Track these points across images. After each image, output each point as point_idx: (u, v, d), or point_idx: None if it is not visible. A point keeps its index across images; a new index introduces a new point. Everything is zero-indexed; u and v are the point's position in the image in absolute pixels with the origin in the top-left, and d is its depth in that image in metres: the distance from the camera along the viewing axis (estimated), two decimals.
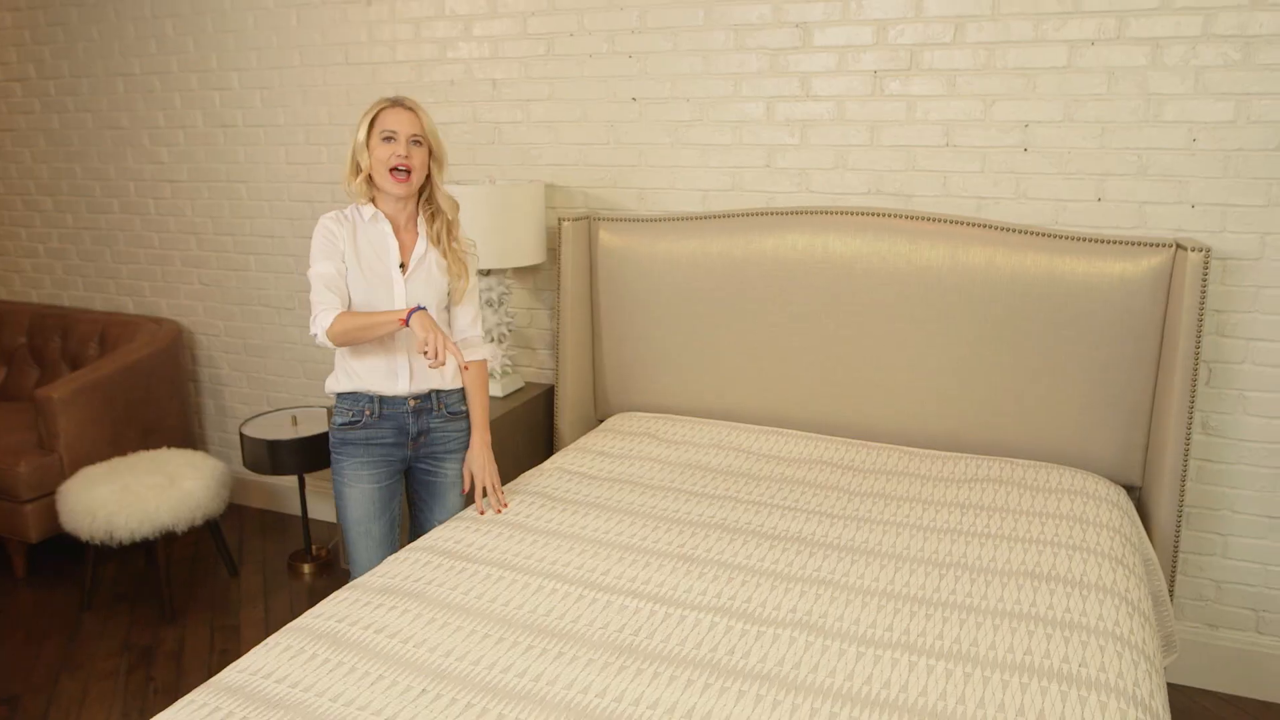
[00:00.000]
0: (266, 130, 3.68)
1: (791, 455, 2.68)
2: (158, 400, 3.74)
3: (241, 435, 3.33)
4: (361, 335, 2.14)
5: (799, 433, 2.83)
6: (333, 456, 2.32)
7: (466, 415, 2.41)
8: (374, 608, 1.84)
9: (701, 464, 2.62)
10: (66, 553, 3.68)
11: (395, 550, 2.30)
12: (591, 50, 3.07)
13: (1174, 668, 2.77)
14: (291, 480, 3.93)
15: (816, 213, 2.78)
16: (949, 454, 2.68)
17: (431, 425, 2.33)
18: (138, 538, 3.03)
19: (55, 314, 4.09)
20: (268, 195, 3.75)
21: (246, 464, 3.35)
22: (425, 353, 2.00)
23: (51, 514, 3.33)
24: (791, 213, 2.82)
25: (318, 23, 3.47)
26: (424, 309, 2.12)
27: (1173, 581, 2.54)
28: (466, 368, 2.17)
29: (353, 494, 2.29)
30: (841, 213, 2.76)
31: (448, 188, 2.94)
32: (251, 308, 3.89)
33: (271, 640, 1.76)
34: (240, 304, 3.92)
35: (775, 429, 2.86)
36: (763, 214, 2.85)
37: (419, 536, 2.40)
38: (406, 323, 2.11)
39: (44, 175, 4.18)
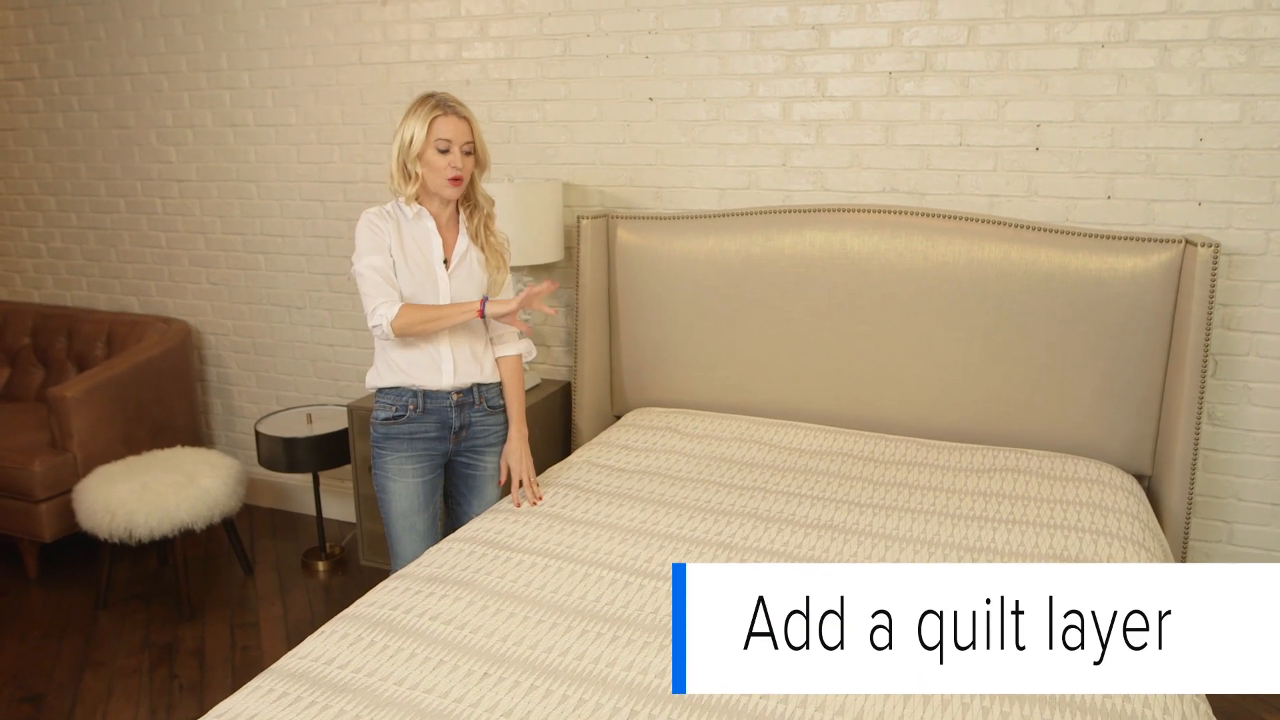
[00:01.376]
0: (278, 130, 3.69)
1: (812, 447, 2.73)
2: (168, 399, 3.75)
3: (257, 433, 3.35)
4: (428, 327, 2.20)
5: (817, 426, 2.89)
6: (375, 451, 2.35)
7: (505, 409, 2.45)
8: (425, 596, 1.88)
9: (726, 456, 2.67)
10: (77, 552, 3.67)
11: (436, 543, 2.34)
12: (608, 51, 3.11)
13: None
14: (301, 479, 3.94)
15: (833, 210, 2.84)
16: (964, 445, 2.75)
17: (473, 419, 2.37)
18: (157, 536, 3.04)
19: (60, 314, 4.09)
20: (279, 194, 3.76)
21: (262, 462, 3.37)
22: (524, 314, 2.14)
23: (66, 513, 3.33)
24: (808, 210, 2.87)
25: (331, 22, 3.50)
26: (490, 300, 2.22)
27: None
28: (527, 330, 2.29)
29: (397, 488, 2.33)
30: (858, 210, 2.82)
31: None
32: (261, 307, 3.91)
33: (327, 628, 1.80)
34: (250, 303, 3.93)
35: (793, 422, 2.91)
36: (780, 212, 2.91)
37: (455, 529, 2.44)
38: (482, 314, 2.16)
39: (47, 175, 4.17)
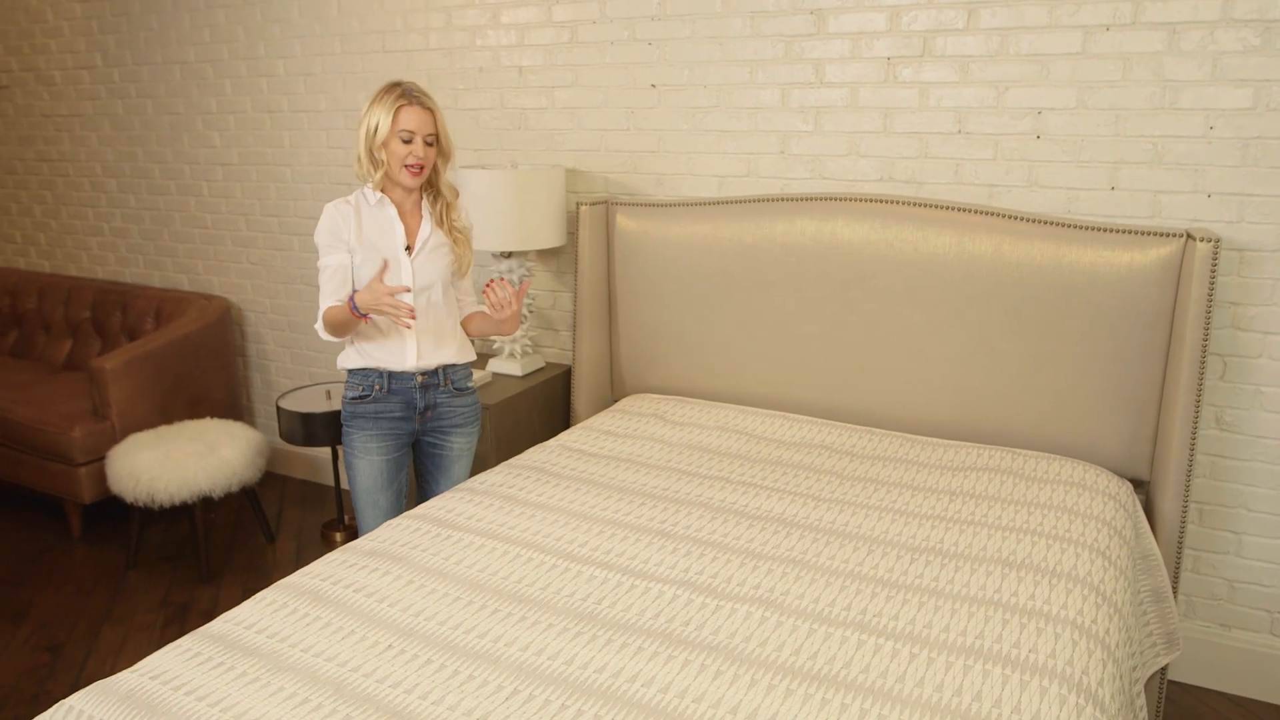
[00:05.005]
0: (309, 116, 3.83)
1: (793, 439, 2.71)
2: (205, 373, 3.94)
3: (278, 408, 3.49)
4: (342, 330, 2.28)
5: (805, 417, 2.86)
6: (344, 429, 2.44)
7: (472, 391, 2.51)
8: (358, 569, 1.95)
9: (702, 445, 2.67)
10: (119, 514, 3.91)
11: None
12: (613, 37, 3.12)
13: (1182, 667, 2.73)
14: (325, 452, 4.09)
15: (825, 199, 2.80)
16: (952, 442, 2.68)
17: (438, 400, 2.43)
18: (176, 501, 3.21)
19: (117, 290, 4.33)
20: (310, 178, 3.90)
21: (283, 435, 3.50)
22: (405, 318, 2.16)
23: (102, 477, 3.54)
24: (801, 199, 2.83)
25: (356, 10, 3.60)
26: (355, 292, 2.23)
27: (1176, 578, 2.50)
28: (413, 317, 2.23)
29: (362, 465, 2.40)
30: (850, 199, 2.77)
31: (471, 172, 3.05)
32: (295, 286, 4.06)
33: (261, 594, 1.88)
34: (285, 283, 4.09)
35: (782, 413, 2.89)
36: (773, 200, 2.88)
37: None
38: (354, 312, 2.21)
39: (109, 158, 4.42)
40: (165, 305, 4.15)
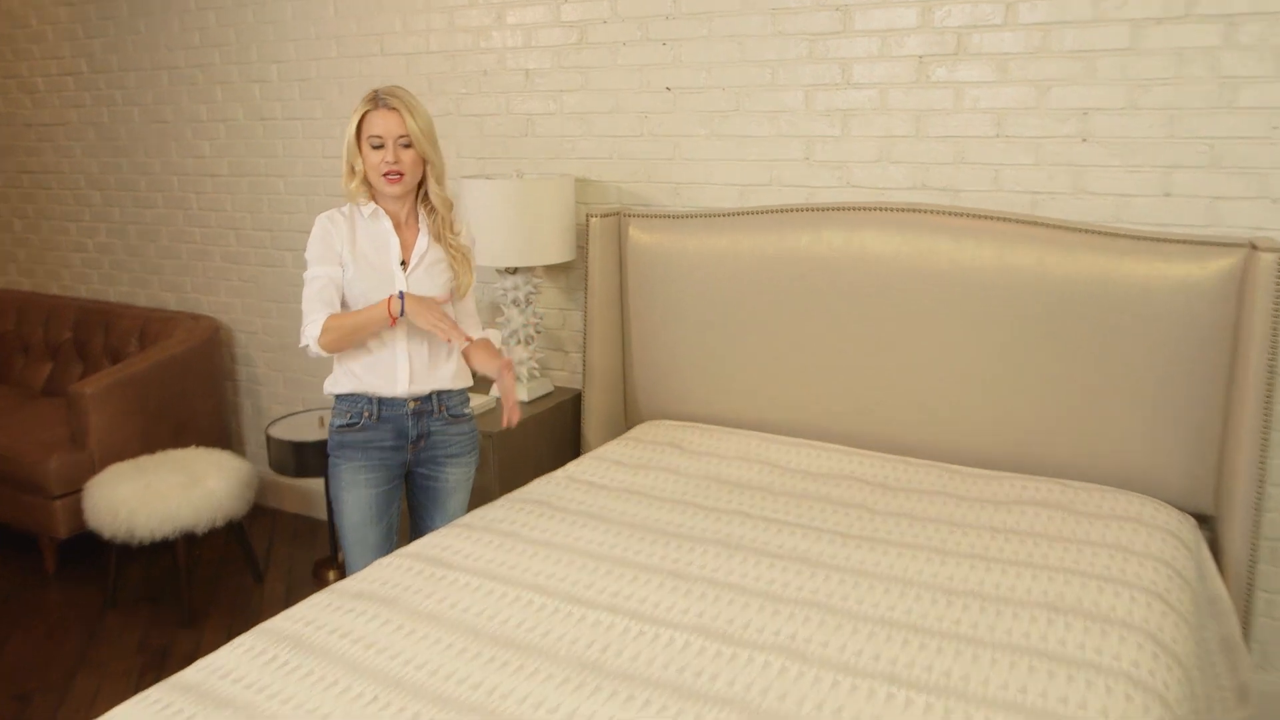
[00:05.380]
0: (304, 123, 3.85)
1: (820, 470, 2.67)
2: (192, 398, 3.95)
3: (268, 436, 3.48)
4: (352, 338, 2.25)
5: (833, 446, 2.82)
6: (330, 459, 2.42)
7: (469, 418, 2.48)
8: (344, 612, 1.92)
9: (721, 477, 2.63)
10: (97, 550, 3.90)
11: None
12: (624, 38, 3.12)
13: None
14: (318, 483, 4.08)
15: (854, 209, 2.78)
16: (994, 473, 2.63)
17: (432, 428, 2.41)
18: (158, 537, 3.20)
19: (100, 309, 4.36)
20: (304, 190, 3.91)
21: (273, 465, 3.50)
22: (446, 339, 2.21)
23: (79, 510, 3.53)
24: (828, 209, 2.81)
25: (353, 12, 3.62)
26: (405, 293, 2.23)
27: (1247, 624, 2.43)
28: (469, 339, 2.29)
29: (349, 498, 2.39)
30: (880, 209, 2.74)
31: (473, 182, 3.04)
32: (288, 305, 4.07)
33: (238, 640, 1.85)
34: (277, 301, 4.10)
35: (808, 442, 2.85)
36: (797, 210, 2.86)
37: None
38: (395, 319, 2.20)
39: (94, 169, 4.46)
40: (150, 325, 4.17)
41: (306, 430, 3.53)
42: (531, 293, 3.21)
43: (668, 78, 3.09)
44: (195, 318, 4.16)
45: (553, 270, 3.39)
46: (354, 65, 3.67)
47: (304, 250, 3.89)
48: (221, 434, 4.10)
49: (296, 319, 4.06)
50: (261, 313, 4.15)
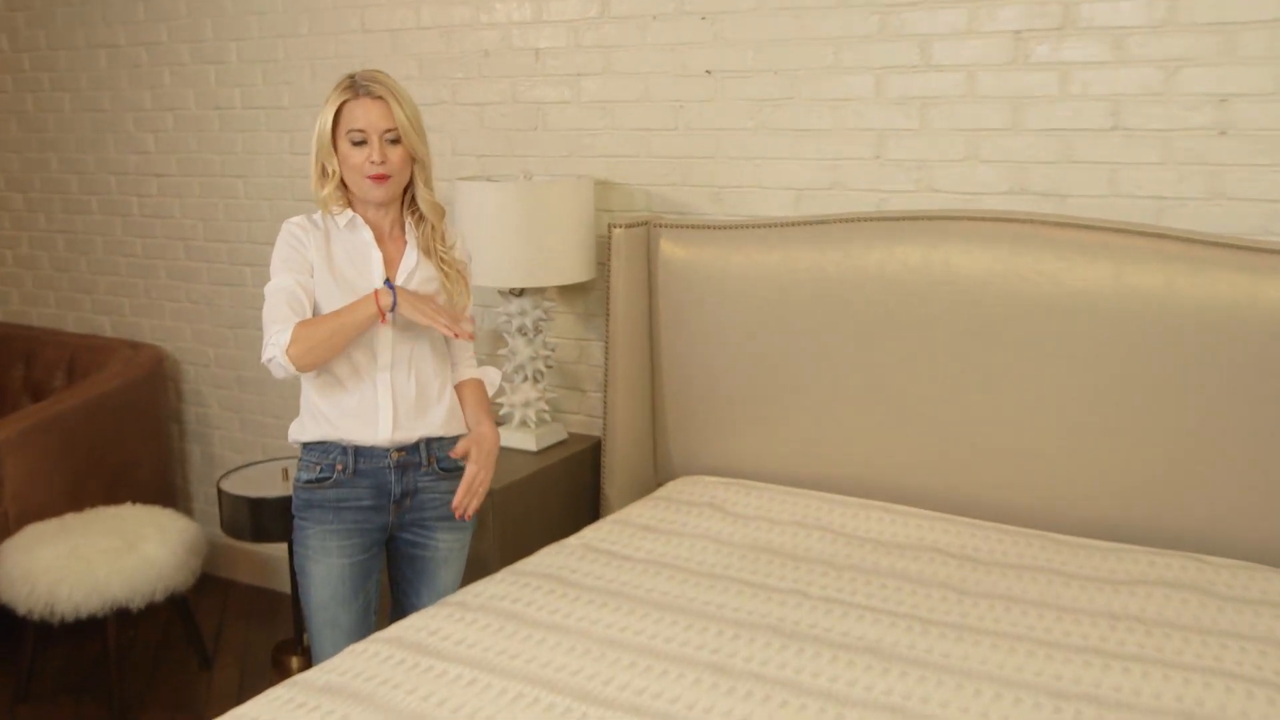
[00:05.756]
0: (268, 113, 3.90)
1: (894, 540, 2.66)
2: (129, 443, 3.98)
3: (220, 491, 3.50)
4: (331, 343, 2.23)
5: (910, 510, 2.81)
6: (296, 522, 2.42)
7: (462, 471, 2.48)
8: (309, 711, 1.91)
9: (772, 546, 2.63)
10: (9, 630, 3.90)
11: None
12: (655, 11, 3.15)
13: None
14: (280, 549, 4.08)
15: (936, 218, 2.78)
16: (1114, 546, 2.60)
17: (419, 484, 2.41)
18: (83, 614, 3.21)
19: (20, 336, 4.42)
20: (269, 193, 3.96)
21: (225, 527, 3.52)
22: (452, 333, 2.23)
23: None
24: (904, 218, 2.83)
25: None
26: (393, 286, 2.25)
27: None
28: (471, 336, 2.33)
29: (318, 571, 2.39)
30: (969, 218, 2.75)
31: (472, 185, 3.06)
32: (247, 332, 4.10)
33: None
34: (234, 327, 4.14)
35: (879, 504, 2.85)
36: (866, 219, 2.87)
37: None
38: (386, 316, 2.22)
39: (15, 167, 4.54)
40: (81, 356, 4.22)
41: (267, 484, 3.54)
42: (541, 319, 3.21)
43: (708, 59, 3.10)
44: (135, 346, 4.20)
45: (567, 292, 3.40)
46: (328, 44, 3.72)
47: (268, 266, 3.96)
48: (164, 488, 4.13)
49: (256, 348, 4.06)
50: (215, 341, 4.19)
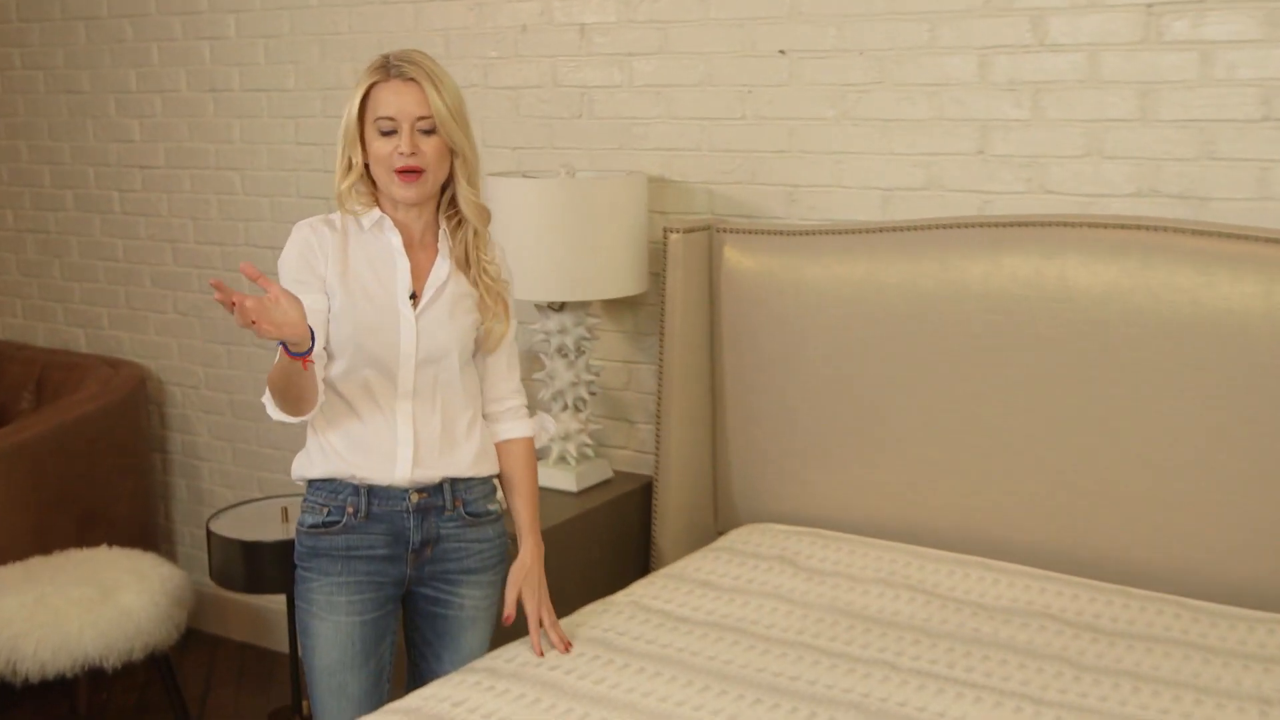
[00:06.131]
0: (270, 96, 3.95)
1: (999, 603, 2.64)
2: (105, 477, 4.02)
3: (209, 533, 3.52)
4: (285, 393, 2.24)
5: (1017, 568, 2.79)
6: (298, 572, 2.43)
7: (496, 518, 2.49)
8: None
9: (854, 609, 2.62)
10: None
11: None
12: None
13: None
14: (275, 602, 4.10)
15: (1050, 224, 2.78)
16: (1263, 616, 2.57)
17: (443, 531, 2.41)
18: (50, 673, 3.25)
19: None
20: (269, 188, 4.01)
21: (214, 575, 3.54)
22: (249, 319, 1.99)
23: None
24: (1012, 224, 2.82)
25: None
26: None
27: None
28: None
29: (324, 629, 2.39)
30: (1090, 225, 2.75)
31: (505, 182, 3.08)
32: (243, 349, 4.15)
33: None
34: (228, 343, 4.18)
35: (980, 561, 2.84)
36: (967, 225, 2.87)
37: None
38: (307, 356, 2.13)
39: None
40: (51, 374, 4.28)
41: (264, 526, 3.56)
42: (585, 338, 3.22)
43: (782, 36, 3.11)
44: (113, 364, 4.25)
45: (615, 307, 3.41)
46: (341, 16, 3.77)
47: (271, 272, 3.94)
48: (144, 528, 4.17)
49: (253, 367, 4.14)
50: (205, 359, 4.23)
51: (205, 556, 4.25)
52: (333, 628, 2.37)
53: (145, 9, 4.13)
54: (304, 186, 3.93)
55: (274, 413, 2.30)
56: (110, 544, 3.86)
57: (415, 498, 2.37)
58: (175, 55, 4.11)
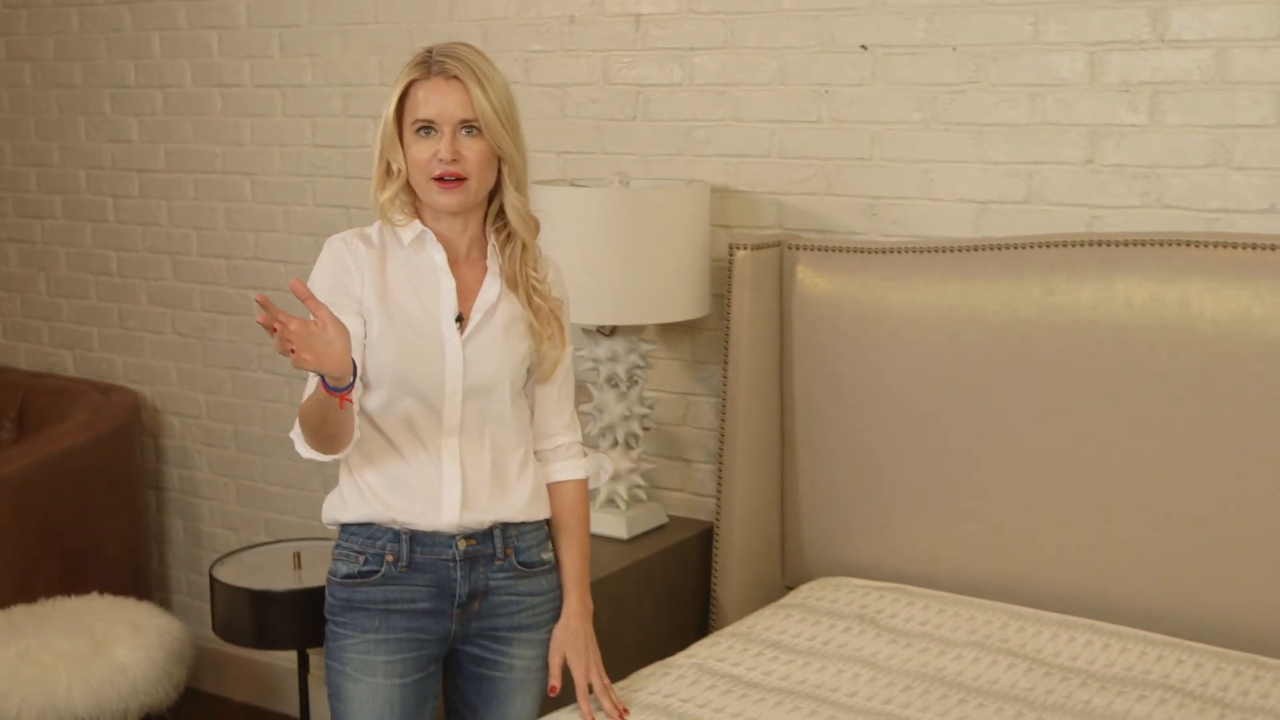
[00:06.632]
0: (285, 93, 3.97)
1: (1110, 671, 2.61)
2: (95, 516, 4.03)
3: (213, 580, 3.53)
4: (320, 431, 2.23)
5: (1131, 631, 2.77)
6: (330, 628, 2.42)
7: (550, 569, 2.48)
8: None
9: (945, 676, 2.59)
10: None
11: None
12: None
13: None
14: (290, 658, 4.10)
15: (1169, 243, 2.76)
16: None
17: (492, 583, 2.41)
18: None
19: None
20: (283, 195, 4.03)
21: (217, 628, 3.54)
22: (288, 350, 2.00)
23: None
24: (1126, 243, 2.81)
25: None
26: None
27: None
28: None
29: (359, 693, 2.38)
30: (1216, 244, 2.73)
31: (551, 191, 3.08)
32: (249, 374, 4.16)
33: None
34: (232, 367, 4.20)
35: (1087, 623, 2.81)
36: (1076, 244, 2.85)
37: None
38: (347, 393, 2.14)
39: None
40: (36, 400, 4.30)
41: (274, 573, 3.57)
42: (638, 367, 3.22)
43: (863, 30, 3.11)
44: (105, 390, 4.27)
45: (671, 332, 3.42)
46: (366, 4, 3.79)
47: (284, 288, 3.99)
48: (137, 574, 4.18)
49: (261, 394, 4.15)
50: (207, 385, 4.25)
51: (205, 606, 4.26)
52: (369, 690, 2.36)
53: None
54: (321, 193, 3.95)
55: (304, 450, 2.30)
56: (101, 591, 3.88)
57: (462, 545, 2.36)
58: (179, 46, 4.13)
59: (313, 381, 2.18)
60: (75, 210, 4.43)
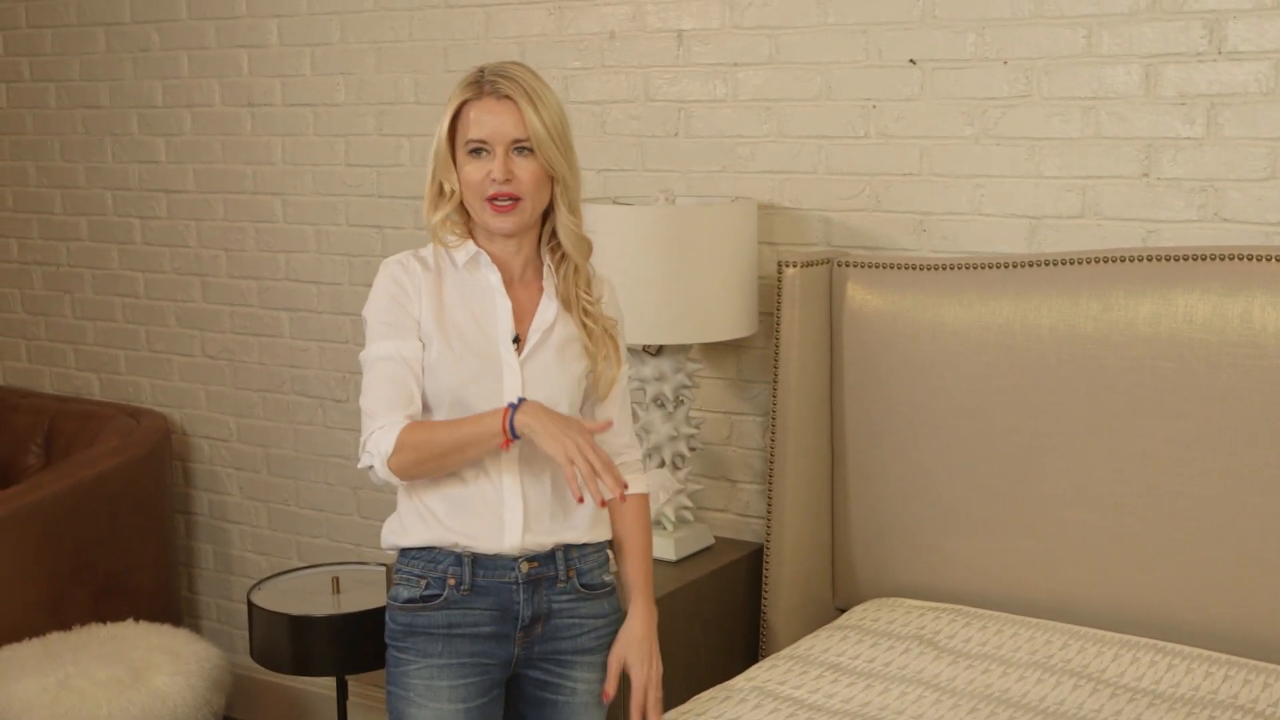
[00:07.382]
0: (318, 112, 3.99)
1: (1176, 692, 2.61)
2: (126, 542, 4.04)
3: (250, 605, 3.54)
4: (445, 463, 2.28)
5: (1195, 651, 2.77)
6: (391, 654, 2.43)
7: (611, 591, 2.49)
8: None
9: (1009, 697, 2.59)
10: None
11: None
12: None
13: None
14: (328, 685, 4.10)
15: (1229, 258, 2.76)
16: None
17: (555, 606, 2.42)
18: None
19: None
20: (314, 216, 4.04)
21: (256, 655, 3.55)
22: (576, 482, 2.16)
23: None
24: (1184, 258, 2.80)
25: None
26: (527, 401, 2.25)
27: None
28: (623, 498, 2.29)
29: (423, 718, 2.39)
30: (1276, 259, 2.72)
31: (594, 210, 3.08)
32: (282, 397, 4.18)
33: None
34: (264, 390, 4.21)
35: (1151, 642, 2.81)
36: (1133, 259, 2.86)
37: None
38: (511, 435, 2.22)
39: None
40: (62, 425, 4.30)
41: (311, 599, 3.58)
42: (685, 386, 3.23)
43: (912, 44, 3.12)
44: (134, 414, 4.28)
45: (717, 351, 3.42)
46: (400, 22, 3.81)
47: (317, 308, 4.03)
48: (171, 600, 4.19)
49: (294, 418, 4.15)
50: (237, 408, 4.26)
51: (235, 632, 4.31)
52: (434, 716, 2.36)
53: (174, 13, 4.18)
54: (354, 214, 3.96)
55: (383, 472, 2.29)
56: (135, 618, 3.89)
57: (525, 568, 2.37)
58: (208, 65, 4.15)
59: (477, 421, 2.28)
60: (101, 232, 4.45)
